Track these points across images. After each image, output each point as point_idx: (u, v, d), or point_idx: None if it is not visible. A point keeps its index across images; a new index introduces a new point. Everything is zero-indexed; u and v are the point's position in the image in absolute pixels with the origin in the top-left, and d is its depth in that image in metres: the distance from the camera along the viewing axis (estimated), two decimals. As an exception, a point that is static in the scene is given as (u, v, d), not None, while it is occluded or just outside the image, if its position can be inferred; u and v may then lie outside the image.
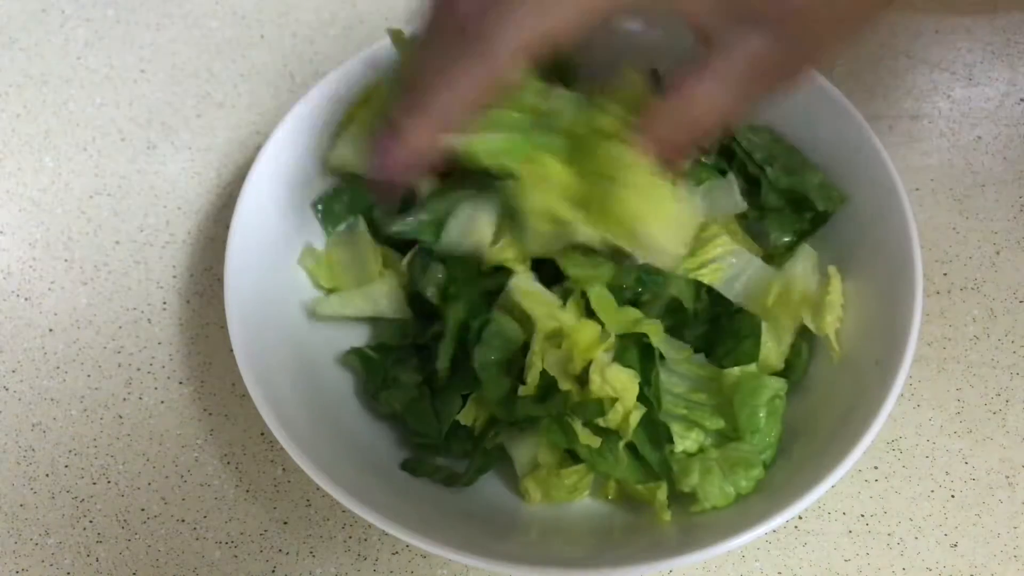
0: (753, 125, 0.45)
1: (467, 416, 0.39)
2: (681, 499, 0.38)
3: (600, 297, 0.38)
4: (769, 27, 0.30)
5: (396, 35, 0.40)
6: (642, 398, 0.37)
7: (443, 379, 0.40)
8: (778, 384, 0.39)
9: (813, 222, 0.43)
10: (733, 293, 0.40)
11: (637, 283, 0.39)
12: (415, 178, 0.35)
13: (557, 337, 0.38)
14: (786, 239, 0.43)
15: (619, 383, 0.37)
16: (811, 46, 0.31)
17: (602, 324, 0.38)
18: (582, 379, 0.37)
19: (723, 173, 0.43)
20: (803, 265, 0.41)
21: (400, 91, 0.32)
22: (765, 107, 0.45)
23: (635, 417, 0.37)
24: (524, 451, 0.40)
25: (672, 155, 0.33)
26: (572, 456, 0.39)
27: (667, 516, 0.37)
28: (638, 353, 0.38)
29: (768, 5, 0.29)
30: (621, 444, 0.37)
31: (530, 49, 0.30)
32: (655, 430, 0.38)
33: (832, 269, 0.41)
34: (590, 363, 0.37)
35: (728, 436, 0.39)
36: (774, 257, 0.43)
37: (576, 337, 0.37)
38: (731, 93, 0.31)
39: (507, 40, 0.29)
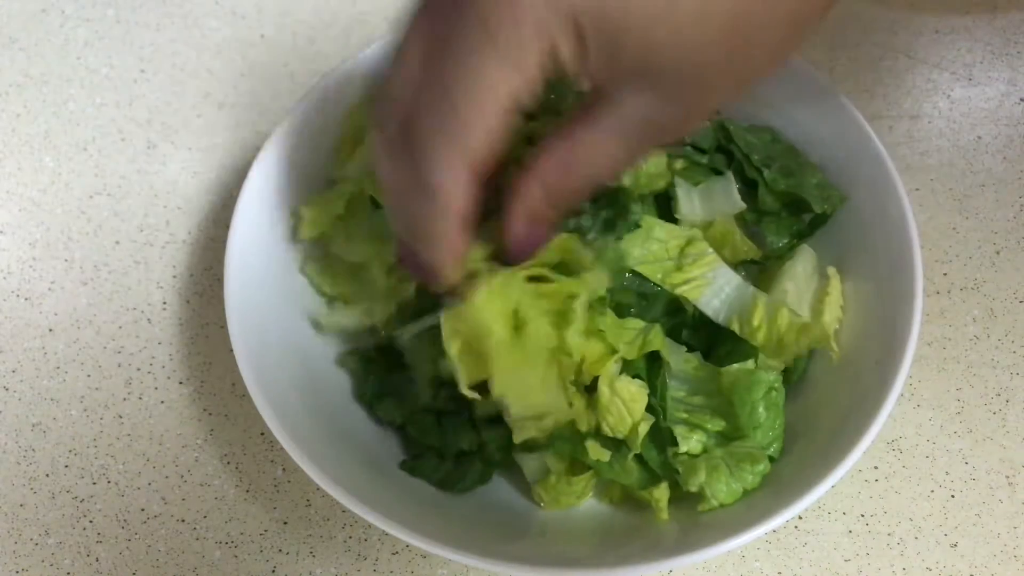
0: (753, 125, 0.45)
1: (471, 443, 0.40)
2: (688, 499, 0.38)
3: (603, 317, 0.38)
4: (658, 90, 0.29)
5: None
6: (648, 407, 0.37)
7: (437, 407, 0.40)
8: (771, 376, 0.38)
9: (812, 224, 0.43)
10: (711, 310, 0.40)
11: (637, 298, 0.39)
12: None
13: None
14: (782, 243, 0.43)
15: (628, 394, 0.37)
16: (700, 108, 0.31)
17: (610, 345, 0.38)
18: (591, 390, 0.37)
19: (718, 173, 0.43)
20: (802, 266, 0.41)
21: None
22: (762, 109, 0.45)
23: (644, 428, 0.37)
24: (532, 460, 0.40)
25: (549, 208, 0.32)
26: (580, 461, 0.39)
27: (665, 515, 0.37)
28: (645, 362, 0.38)
29: (658, 76, 0.29)
30: (630, 456, 0.37)
31: (470, 165, 0.29)
32: (659, 435, 0.38)
33: (832, 270, 0.41)
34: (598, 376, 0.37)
35: (730, 437, 0.39)
36: (773, 259, 0.43)
37: (585, 352, 0.37)
38: (620, 148, 0.31)
39: (445, 168, 0.29)
